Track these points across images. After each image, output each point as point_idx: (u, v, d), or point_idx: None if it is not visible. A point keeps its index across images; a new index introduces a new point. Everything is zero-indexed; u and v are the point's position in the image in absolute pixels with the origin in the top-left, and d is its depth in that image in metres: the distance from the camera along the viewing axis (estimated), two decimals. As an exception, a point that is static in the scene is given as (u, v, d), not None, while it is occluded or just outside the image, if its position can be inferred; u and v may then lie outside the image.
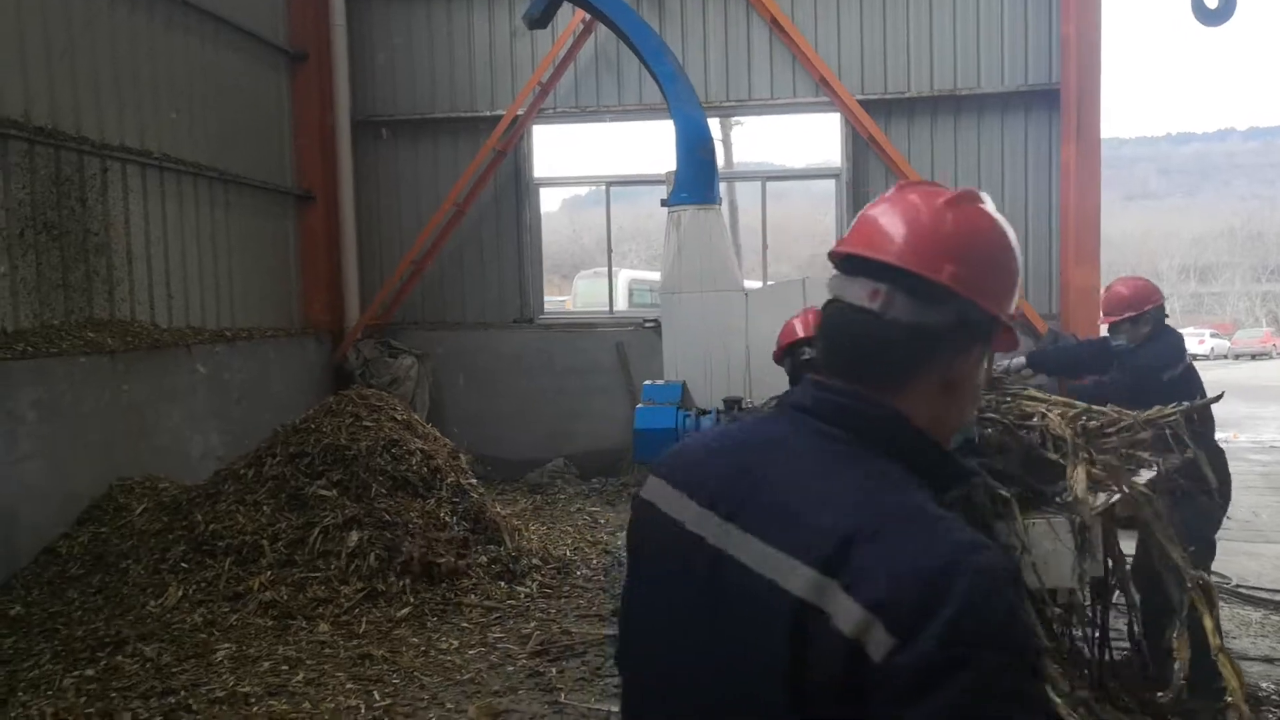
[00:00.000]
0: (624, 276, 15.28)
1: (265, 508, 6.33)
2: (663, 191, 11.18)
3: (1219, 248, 75.85)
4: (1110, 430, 3.54)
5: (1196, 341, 40.48)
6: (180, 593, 5.85)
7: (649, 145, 10.91)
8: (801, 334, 4.21)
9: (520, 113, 10.41)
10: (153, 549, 6.28)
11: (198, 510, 6.51)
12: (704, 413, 6.36)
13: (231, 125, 9.17)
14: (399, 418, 6.94)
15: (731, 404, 6.37)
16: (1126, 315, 4.90)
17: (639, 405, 6.42)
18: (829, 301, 1.36)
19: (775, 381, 6.71)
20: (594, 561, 7.43)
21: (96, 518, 6.76)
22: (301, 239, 10.37)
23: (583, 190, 11.13)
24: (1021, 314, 9.36)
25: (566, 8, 8.48)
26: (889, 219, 1.34)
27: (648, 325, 10.69)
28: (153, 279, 7.99)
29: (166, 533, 6.43)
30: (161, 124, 8.13)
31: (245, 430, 8.61)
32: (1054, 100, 9.88)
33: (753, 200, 11.56)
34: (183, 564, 6.11)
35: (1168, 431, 3.60)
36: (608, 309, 11.45)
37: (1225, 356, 43.10)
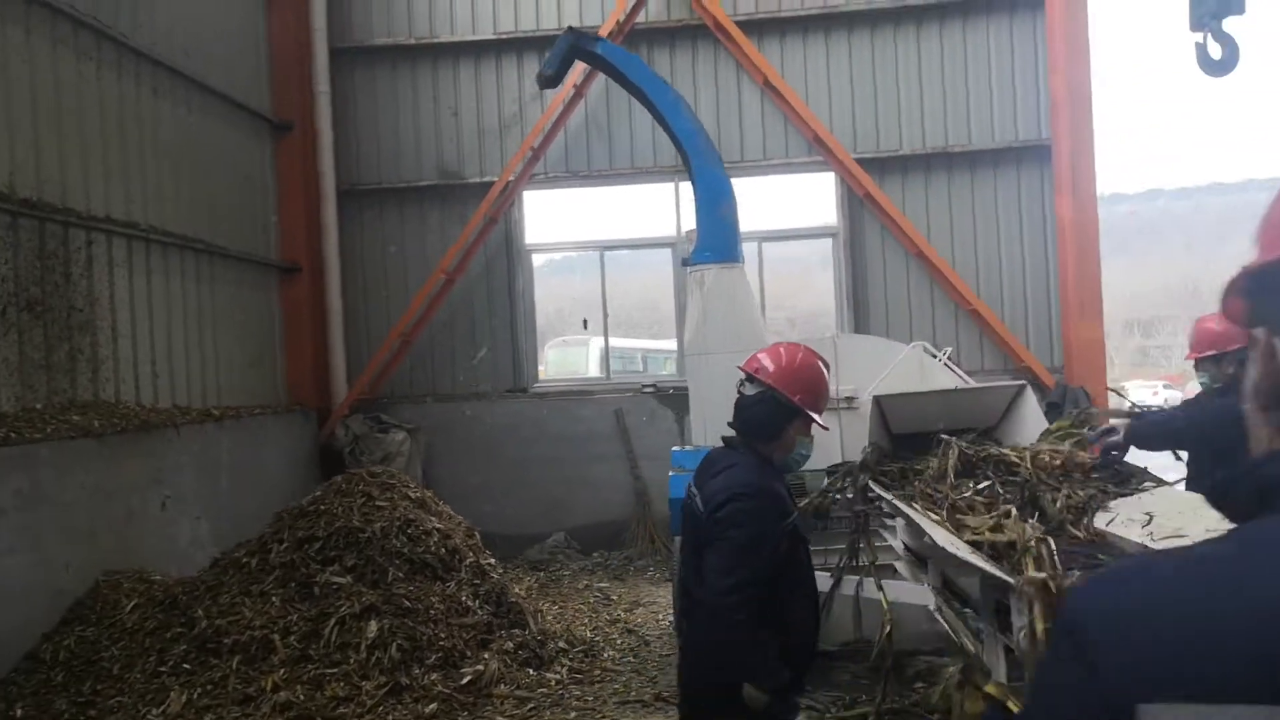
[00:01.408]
0: (595, 344, 15.02)
1: (274, 599, 5.86)
2: (662, 254, 11.08)
3: (1158, 302, 78.17)
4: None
5: (1150, 393, 41.24)
6: (184, 698, 5.35)
7: (637, 209, 10.76)
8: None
9: (511, 179, 10.22)
10: (149, 650, 5.76)
11: (197, 605, 6.01)
12: (743, 479, 6.06)
13: (215, 196, 8.84)
14: (412, 496, 6.54)
15: (771, 469, 6.09)
16: (1211, 353, 4.71)
17: (671, 473, 6.10)
18: None
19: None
20: (619, 642, 7.03)
21: (83, 617, 6.19)
22: (285, 312, 9.97)
23: (557, 256, 10.88)
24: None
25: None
26: None
27: (646, 390, 10.42)
28: (138, 357, 7.54)
29: (162, 631, 5.91)
30: (148, 194, 7.78)
31: (234, 515, 8.10)
32: (1045, 155, 9.96)
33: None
34: (184, 665, 5.61)
35: None
36: (590, 377, 11.17)
37: (1178, 407, 43.80)
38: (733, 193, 6.66)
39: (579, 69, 9.68)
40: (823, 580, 5.35)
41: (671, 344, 16.72)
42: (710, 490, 3.02)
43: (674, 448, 6.50)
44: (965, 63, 10.17)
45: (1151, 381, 46.96)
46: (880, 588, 4.90)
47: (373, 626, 5.69)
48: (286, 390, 9.95)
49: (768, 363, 3.16)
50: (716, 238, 6.53)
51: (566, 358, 16.14)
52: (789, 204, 10.28)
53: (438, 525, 6.42)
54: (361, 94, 10.61)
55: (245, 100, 9.35)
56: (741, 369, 3.23)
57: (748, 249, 9.98)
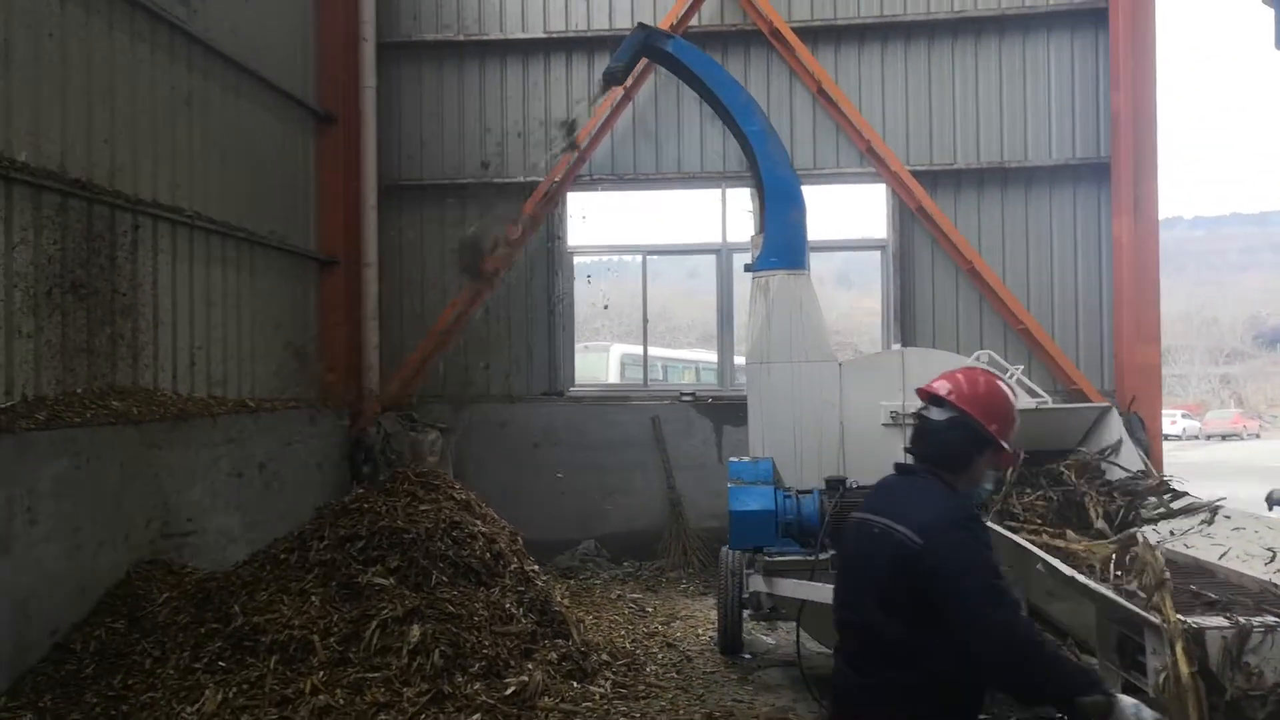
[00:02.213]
0: (615, 351, 14.80)
1: (313, 598, 5.66)
2: (702, 261, 10.89)
3: (1176, 331, 77.61)
4: None
5: (1169, 423, 40.75)
6: (220, 697, 5.14)
7: (680, 215, 10.58)
8: None
9: (557, 180, 10.06)
10: (182, 645, 5.57)
11: (233, 601, 5.81)
12: (805, 493, 5.85)
13: (258, 185, 8.70)
14: (458, 497, 6.34)
15: (835, 484, 5.87)
16: None
17: (730, 485, 5.89)
18: None
19: (870, 457, 6.24)
20: (660, 656, 6.80)
21: (114, 608, 6.01)
22: (322, 306, 9.82)
23: (588, 259, 10.73)
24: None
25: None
26: None
27: (684, 399, 10.21)
28: (177, 344, 7.39)
29: (196, 626, 5.72)
30: (194, 180, 7.64)
31: (264, 509, 7.95)
32: (1103, 174, 9.73)
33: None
34: (220, 663, 5.40)
35: None
36: (621, 383, 10.98)
37: (1197, 437, 43.35)
38: (803, 198, 6.46)
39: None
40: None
41: (691, 354, 16.59)
42: (918, 521, 2.65)
43: (731, 459, 6.29)
44: (1024, 77, 9.95)
45: (1170, 411, 46.56)
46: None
47: (415, 631, 5.47)
48: (319, 385, 9.78)
49: (955, 387, 2.84)
50: (784, 243, 6.33)
51: (586, 364, 15.94)
52: (837, 214, 10.07)
53: (482, 529, 6.22)
54: (407, 89, 10.48)
55: (291, 90, 9.22)
56: (921, 393, 2.95)
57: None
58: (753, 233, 6.72)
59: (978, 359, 6.15)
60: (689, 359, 14.38)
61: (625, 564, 9.83)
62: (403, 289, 10.39)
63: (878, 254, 10.18)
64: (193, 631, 5.68)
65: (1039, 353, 9.68)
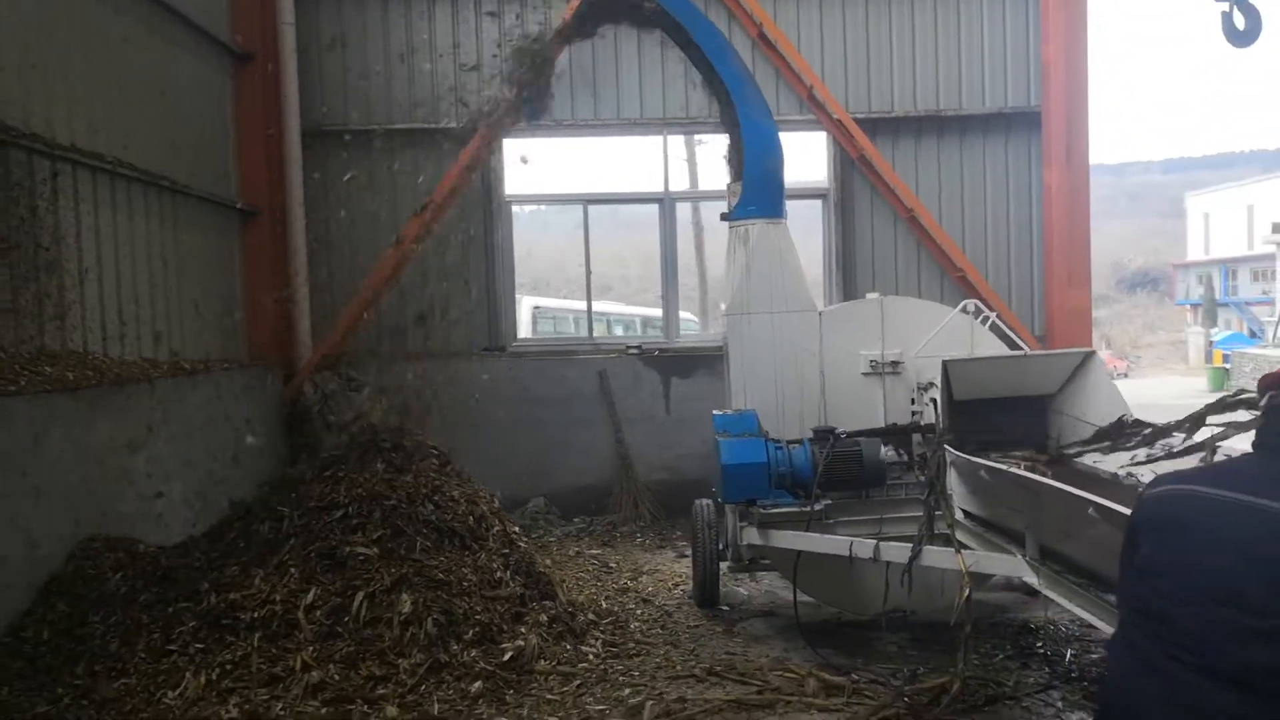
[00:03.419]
0: (525, 304, 14.52)
1: (292, 570, 5.36)
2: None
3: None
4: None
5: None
6: (202, 679, 4.85)
7: (621, 162, 10.37)
8: None
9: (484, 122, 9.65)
10: (148, 627, 5.22)
11: (200, 576, 5.47)
12: (795, 443, 5.84)
13: (177, 131, 8.05)
14: (437, 457, 6.09)
15: (823, 434, 5.89)
16: None
17: (719, 438, 5.83)
18: None
19: (851, 406, 6.29)
20: (639, 613, 6.75)
21: (64, 590, 5.54)
22: (246, 259, 9.23)
23: (526, 208, 10.42)
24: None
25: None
26: None
27: (631, 352, 10.09)
28: (104, 303, 6.81)
29: (162, 605, 5.36)
30: (113, 124, 6.99)
31: (207, 477, 7.49)
32: (1034, 122, 9.97)
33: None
34: (195, 645, 5.09)
35: None
36: (567, 337, 10.78)
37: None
38: (780, 145, 6.36)
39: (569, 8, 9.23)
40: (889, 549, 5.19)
41: (629, 309, 16.45)
42: None
43: (714, 412, 6.22)
44: (958, 25, 10.06)
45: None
46: (959, 553, 4.74)
47: (406, 600, 5.27)
48: (247, 344, 9.24)
49: None
50: (762, 191, 6.23)
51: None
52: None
53: (462, 490, 6.00)
54: (328, 26, 9.84)
55: (207, 26, 8.52)
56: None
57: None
58: (728, 180, 6.59)
59: (964, 308, 6.22)
60: (626, 313, 14.21)
61: (576, 520, 9.72)
62: (331, 241, 9.86)
63: (818, 202, 10.20)
64: (159, 612, 5.32)
65: (976, 299, 9.91)
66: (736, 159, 6.39)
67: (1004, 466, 4.37)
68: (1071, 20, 9.45)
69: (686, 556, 8.45)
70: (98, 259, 6.75)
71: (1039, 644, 5.82)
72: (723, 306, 6.48)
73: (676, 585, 7.50)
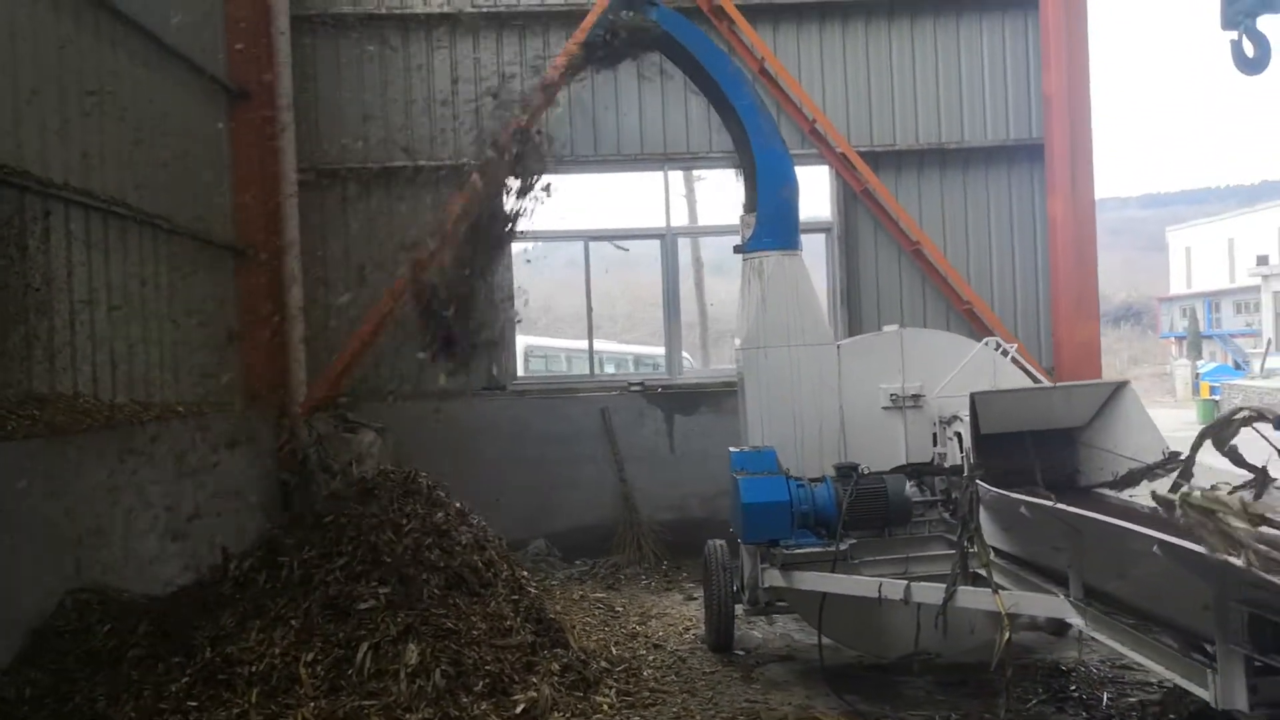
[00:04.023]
0: (520, 343, 14.33)
1: (292, 621, 5.09)
2: (642, 246, 10.57)
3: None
4: None
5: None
6: (198, 739, 4.55)
7: (622, 198, 10.26)
8: None
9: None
10: (139, 684, 4.93)
11: (195, 630, 5.19)
12: (816, 481, 5.64)
13: (172, 169, 7.88)
14: (442, 500, 5.85)
15: (846, 471, 5.69)
16: None
17: (738, 477, 5.62)
18: None
19: (871, 442, 6.10)
20: (652, 659, 6.49)
21: (50, 645, 5.28)
22: (241, 301, 9.03)
23: (525, 244, 10.27)
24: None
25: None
26: None
27: (633, 389, 9.91)
28: (95, 344, 6.59)
29: (152, 661, 5.08)
30: (106, 163, 6.82)
31: (199, 524, 7.22)
32: (1036, 154, 9.92)
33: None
34: (189, 702, 4.79)
35: None
36: (570, 375, 10.60)
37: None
38: (795, 176, 6.23)
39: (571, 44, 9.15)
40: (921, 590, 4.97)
41: (622, 347, 16.27)
42: None
43: (731, 449, 6.01)
44: (959, 59, 10.05)
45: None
46: (996, 594, 4.54)
47: (412, 651, 5.00)
48: (242, 386, 9.00)
49: None
50: (777, 223, 6.09)
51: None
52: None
53: (470, 534, 5.76)
54: (325, 66, 9.76)
55: (203, 64, 8.40)
56: None
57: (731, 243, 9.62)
58: (741, 213, 6.45)
59: (987, 344, 6.06)
60: (619, 350, 14.04)
61: (578, 562, 9.46)
62: (329, 280, 9.68)
63: (821, 236, 10.10)
64: (149, 667, 5.04)
65: (983, 332, 9.78)
66: (750, 190, 6.25)
67: (1047, 503, 4.17)
68: (1073, 50, 9.44)
69: (695, 599, 8.20)
70: (90, 300, 6.53)
71: (1072, 686, 5.59)
72: (737, 341, 6.31)
73: (687, 629, 7.24)
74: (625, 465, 9.65)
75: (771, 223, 6.08)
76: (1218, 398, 31.03)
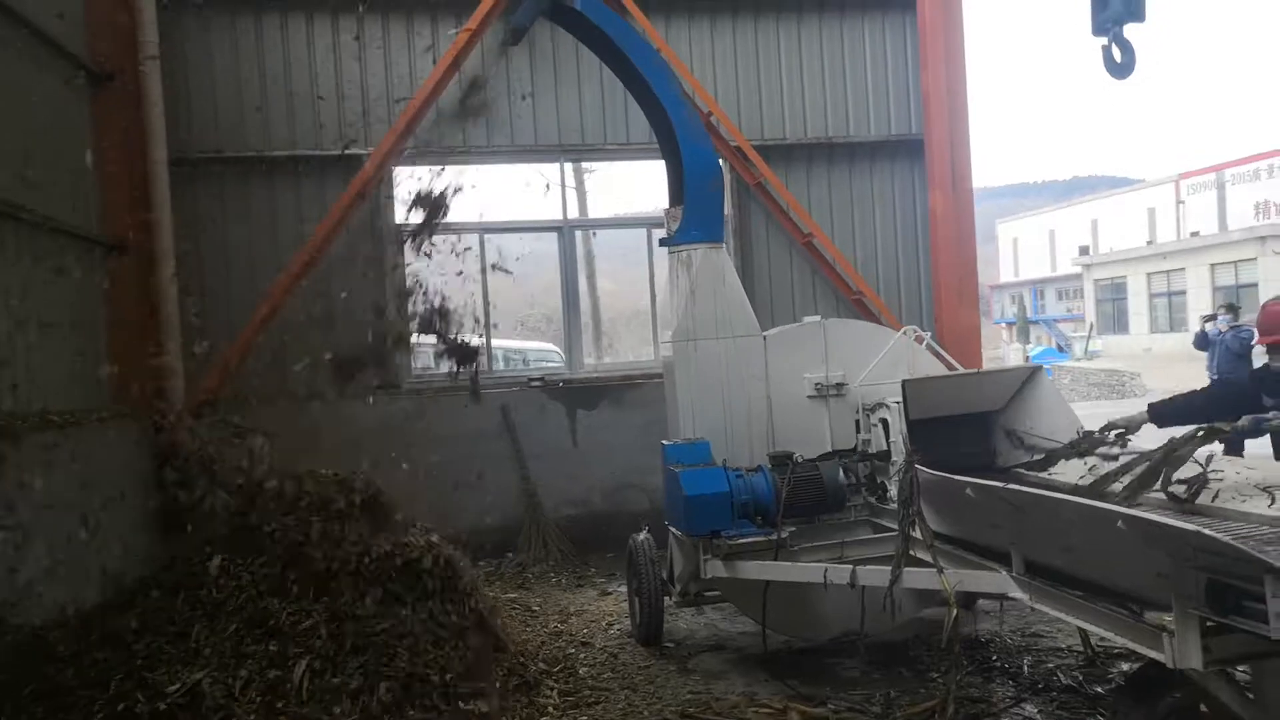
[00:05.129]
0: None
1: (225, 641, 4.75)
2: (547, 239, 10.41)
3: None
4: None
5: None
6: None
7: (517, 190, 10.09)
8: None
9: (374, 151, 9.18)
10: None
11: (97, 662, 4.78)
12: (753, 471, 5.70)
13: (32, 157, 7.18)
14: (363, 500, 5.61)
15: (781, 459, 5.78)
16: None
17: (677, 470, 5.61)
18: None
19: (798, 430, 6.22)
20: (583, 657, 6.42)
21: (-71, 689, 4.74)
22: (112, 299, 8.33)
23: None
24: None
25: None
26: None
27: (534, 385, 9.76)
28: (-43, 351, 5.95)
29: (46, 698, 4.64)
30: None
31: (76, 545, 6.63)
32: (917, 150, 10.35)
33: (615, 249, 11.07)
34: (110, 739, 4.40)
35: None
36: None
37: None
38: (720, 169, 6.26)
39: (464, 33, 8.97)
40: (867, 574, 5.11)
41: (510, 343, 15.97)
42: None
43: (664, 442, 6.01)
44: (843, 56, 10.37)
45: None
46: (941, 574, 4.71)
47: (353, 667, 4.76)
48: (111, 390, 8.31)
49: None
50: (704, 216, 6.11)
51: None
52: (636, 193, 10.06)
53: (401, 539, 5.53)
54: (195, 46, 9.12)
55: (62, 42, 7.68)
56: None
57: (635, 237, 9.61)
58: (667, 205, 6.43)
59: (905, 333, 6.28)
60: (508, 346, 13.75)
61: (482, 563, 9.23)
62: (205, 277, 9.08)
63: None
64: (45, 706, 4.60)
65: (871, 320, 10.16)
66: (676, 184, 6.25)
67: (995, 483, 4.36)
68: (950, 48, 9.89)
69: (609, 594, 8.19)
70: (-51, 300, 5.89)
71: (994, 657, 5.88)
72: (666, 334, 6.31)
73: (610, 625, 7.21)
74: (528, 462, 9.51)
75: (698, 216, 6.10)
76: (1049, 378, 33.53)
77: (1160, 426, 5.05)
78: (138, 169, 8.58)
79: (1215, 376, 11.90)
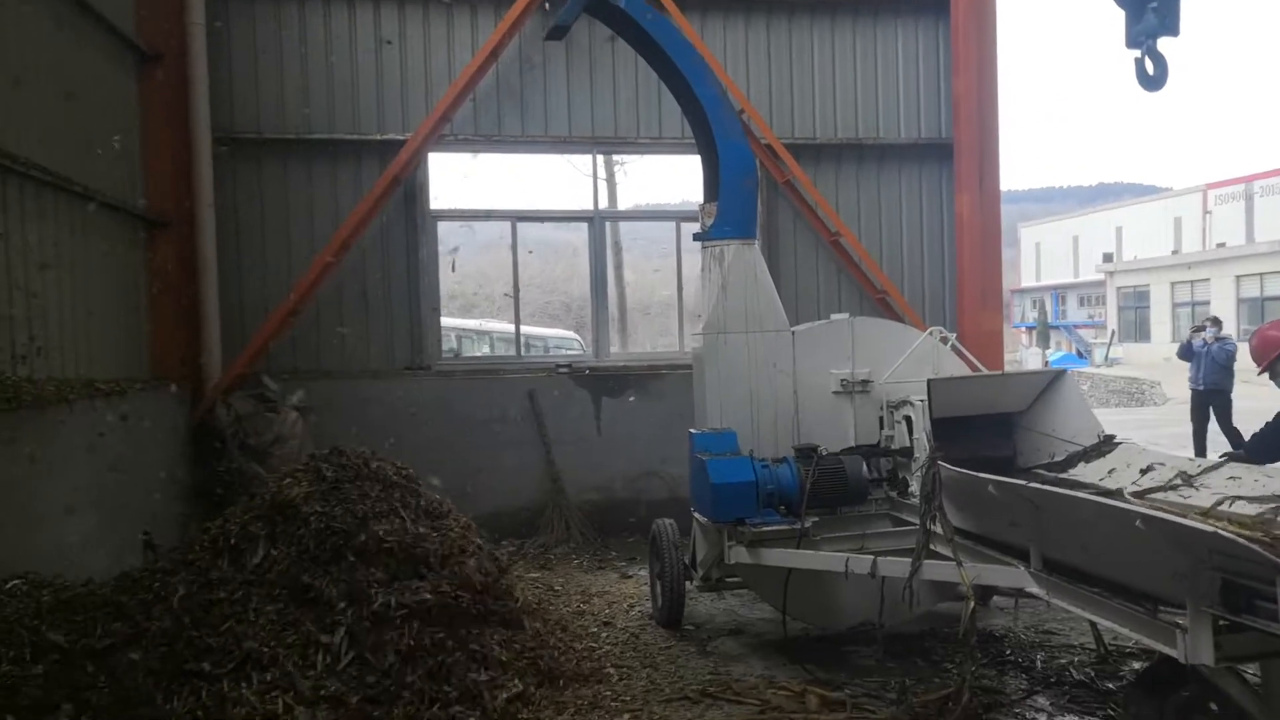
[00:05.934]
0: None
1: (268, 608, 4.95)
2: (569, 228, 10.59)
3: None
4: None
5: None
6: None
7: (550, 180, 10.26)
8: None
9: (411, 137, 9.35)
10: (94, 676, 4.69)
11: (154, 621, 4.97)
12: (779, 461, 5.86)
13: (85, 133, 7.41)
14: (404, 483, 5.79)
15: (806, 452, 5.93)
16: None
17: (704, 458, 5.77)
18: None
19: (823, 425, 6.36)
20: (605, 637, 6.60)
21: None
22: (153, 272, 8.57)
23: (453, 224, 10.20)
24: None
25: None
26: None
27: (561, 371, 9.94)
28: (14, 317, 6.16)
29: (111, 653, 4.83)
30: (19, 123, 6.36)
31: (121, 509, 6.89)
32: (946, 153, 10.44)
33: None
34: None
35: None
36: (499, 355, 10.54)
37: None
38: (755, 165, 6.40)
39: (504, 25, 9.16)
40: (888, 565, 5.26)
41: (536, 330, 16.21)
42: None
43: (692, 430, 6.18)
44: (876, 59, 10.46)
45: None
46: (961, 567, 4.85)
47: (391, 639, 4.95)
48: (150, 361, 8.55)
49: None
50: (739, 212, 6.25)
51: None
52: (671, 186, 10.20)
53: (431, 519, 5.72)
54: (241, 29, 9.32)
55: (115, 22, 7.90)
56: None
57: (657, 230, 9.73)
58: (702, 201, 6.58)
59: (931, 333, 6.41)
60: (534, 334, 13.97)
61: (505, 543, 9.43)
62: (243, 252, 9.30)
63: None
64: (102, 659, 4.80)
65: (894, 319, 10.27)
66: (712, 180, 6.39)
67: (1017, 481, 4.50)
68: (982, 54, 9.97)
69: (630, 577, 8.36)
70: (6, 268, 6.10)
71: (1008, 651, 6.02)
72: (698, 326, 6.46)
73: (631, 607, 7.38)
74: (553, 448, 9.69)
75: (733, 212, 6.24)
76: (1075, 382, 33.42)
77: (1262, 464, 5.13)
78: (182, 147, 8.81)
79: (1199, 387, 12.83)
